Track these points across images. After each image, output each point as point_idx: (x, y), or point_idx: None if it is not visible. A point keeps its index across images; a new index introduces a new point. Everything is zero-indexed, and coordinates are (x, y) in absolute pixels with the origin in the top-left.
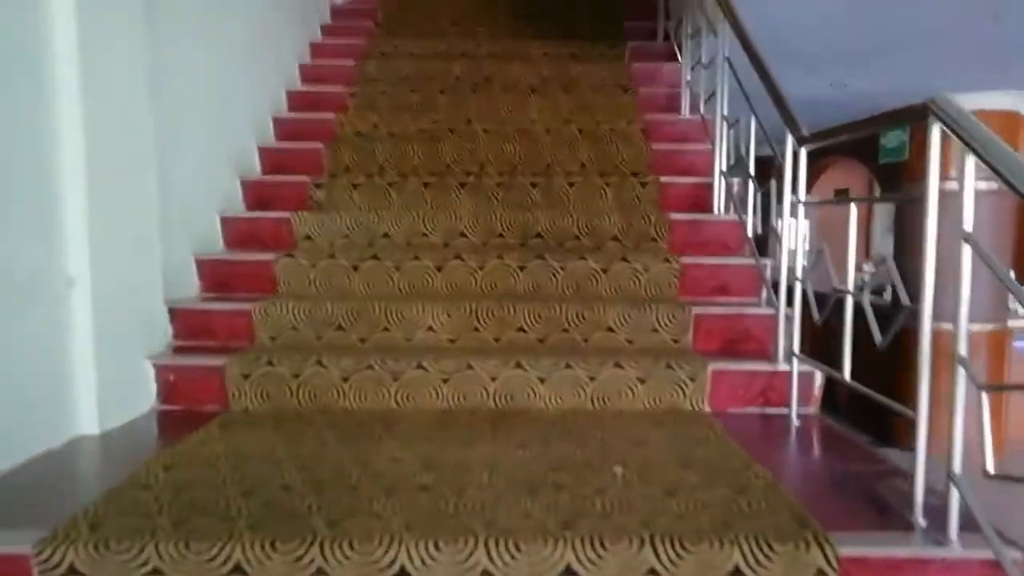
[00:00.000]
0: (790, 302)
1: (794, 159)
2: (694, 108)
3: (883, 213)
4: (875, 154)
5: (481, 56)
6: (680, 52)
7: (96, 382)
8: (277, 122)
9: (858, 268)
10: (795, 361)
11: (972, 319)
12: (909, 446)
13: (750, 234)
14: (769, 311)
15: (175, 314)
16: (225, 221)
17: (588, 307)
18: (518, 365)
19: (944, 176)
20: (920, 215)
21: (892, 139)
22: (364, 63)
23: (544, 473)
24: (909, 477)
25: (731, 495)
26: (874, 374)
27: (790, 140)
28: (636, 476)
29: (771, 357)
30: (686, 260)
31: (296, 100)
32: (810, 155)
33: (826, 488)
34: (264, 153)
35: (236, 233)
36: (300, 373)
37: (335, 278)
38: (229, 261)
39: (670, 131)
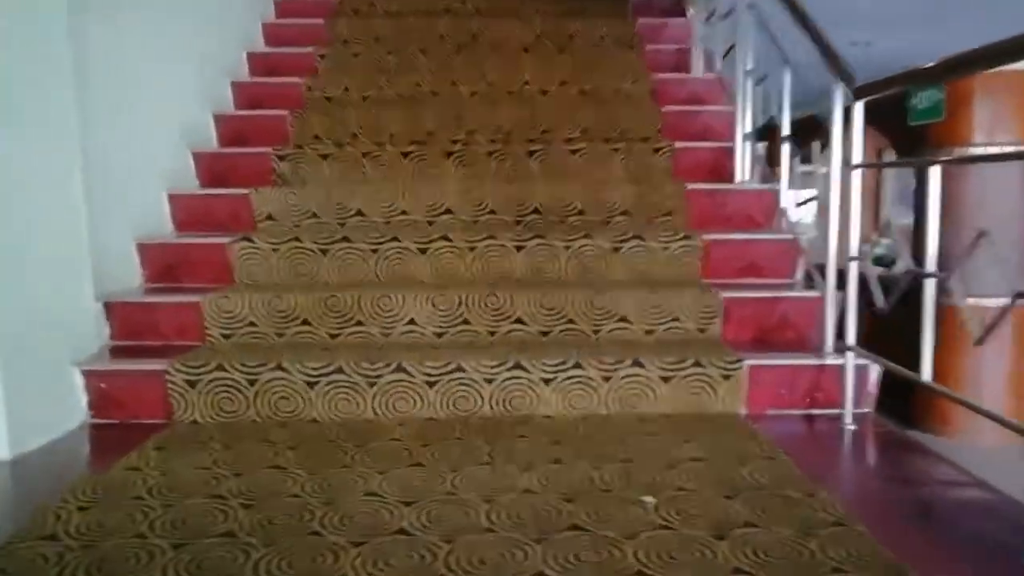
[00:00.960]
0: (840, 284)
1: (846, 115)
2: (708, 66)
3: (892, 181)
4: (895, 116)
5: (467, 13)
6: (688, 5)
7: (4, 398)
8: (236, 88)
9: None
10: (850, 355)
11: None
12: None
13: (783, 204)
14: (809, 294)
15: (111, 309)
16: (174, 200)
17: (597, 294)
18: (517, 366)
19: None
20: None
21: (926, 99)
22: (334, 21)
23: (556, 508)
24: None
25: (797, 538)
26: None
27: (840, 93)
28: (672, 510)
29: (814, 348)
30: (708, 237)
31: (258, 63)
32: (812, 122)
33: (915, 525)
34: (221, 122)
35: (187, 213)
36: (257, 379)
37: (300, 264)
38: (177, 245)
39: (682, 92)
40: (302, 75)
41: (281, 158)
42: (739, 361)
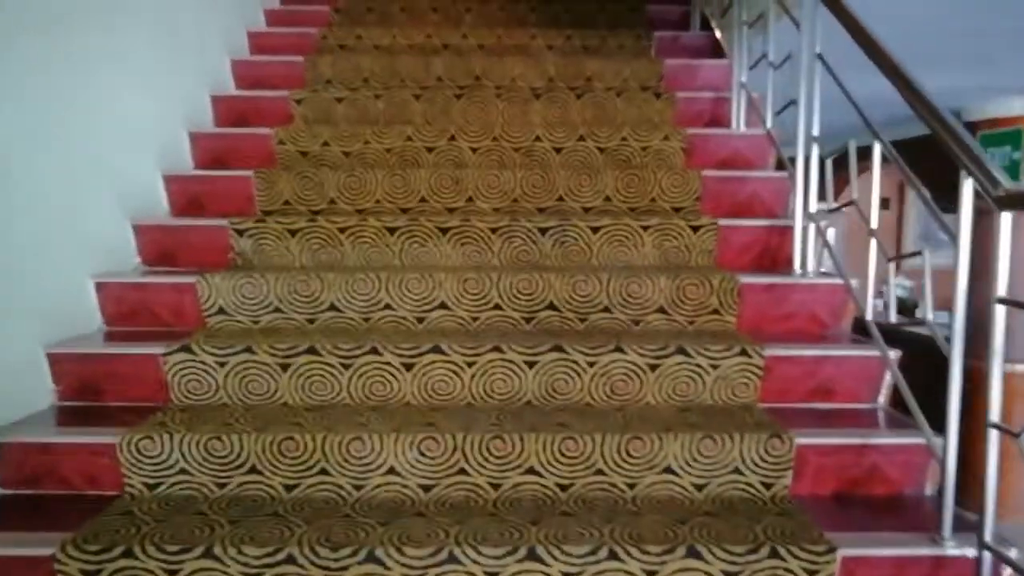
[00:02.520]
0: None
1: (976, 223)
2: (752, 120)
3: (915, 217)
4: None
5: (469, 49)
6: (727, 46)
7: None
8: (195, 140)
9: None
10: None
11: None
12: None
13: (870, 309)
14: (909, 440)
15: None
16: (104, 289)
17: (633, 435)
18: (531, 555)
19: None
20: None
21: (1001, 158)
22: (316, 59)
23: None
24: None
25: None
26: None
27: (970, 189)
28: None
29: (923, 518)
30: (770, 352)
31: (224, 110)
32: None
33: None
34: (173, 184)
35: (119, 306)
36: (179, 570)
37: (253, 382)
38: (101, 357)
39: (722, 151)
40: (274, 124)
41: (241, 232)
42: (830, 548)
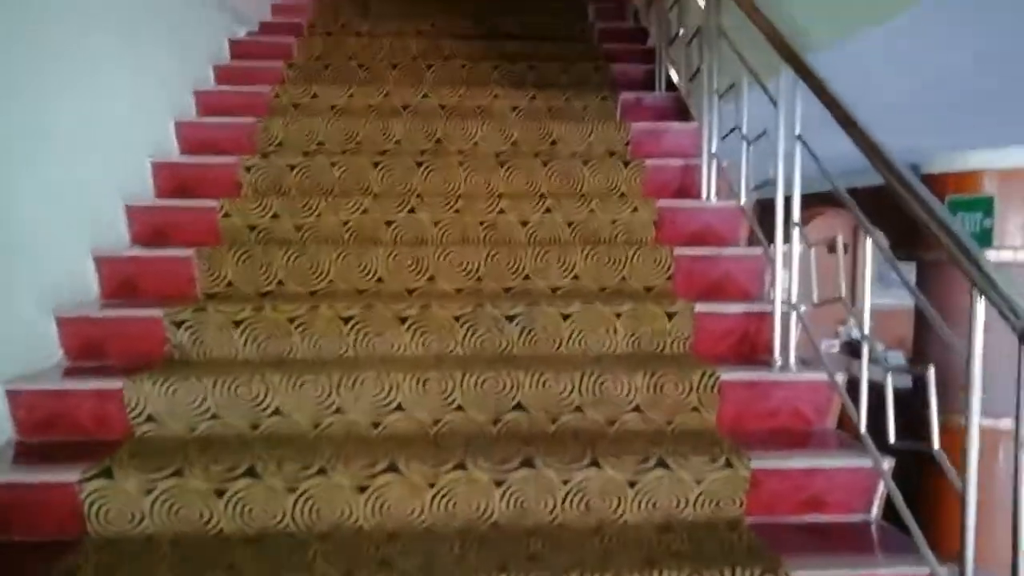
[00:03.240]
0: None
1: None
2: (724, 191)
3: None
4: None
5: (429, 109)
6: (696, 110)
7: None
8: (132, 214)
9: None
10: None
11: None
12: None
13: (864, 413)
14: (913, 571)
15: None
16: (15, 398)
17: (613, 570)
18: None
19: None
20: None
21: (971, 223)
22: (268, 122)
23: None
24: None
25: None
26: None
27: (981, 308)
28: None
29: None
30: (757, 463)
31: (166, 178)
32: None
33: None
34: (104, 266)
35: (35, 414)
36: None
37: (184, 509)
38: (10, 487)
39: (693, 224)
40: (220, 195)
41: (179, 324)
42: None
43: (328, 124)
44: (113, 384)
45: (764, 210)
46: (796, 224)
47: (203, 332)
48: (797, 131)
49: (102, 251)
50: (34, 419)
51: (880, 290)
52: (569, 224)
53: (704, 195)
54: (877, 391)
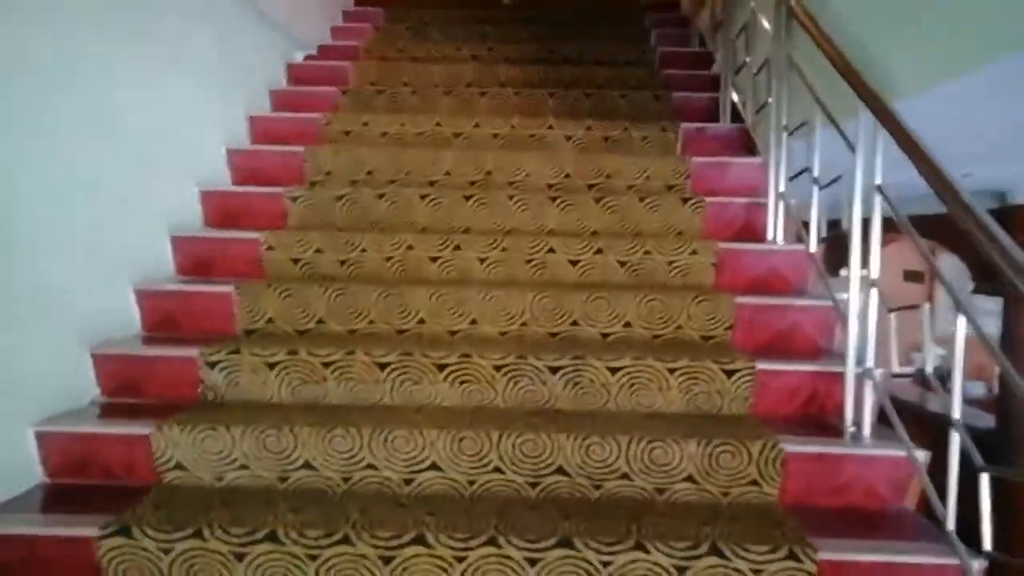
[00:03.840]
0: None
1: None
2: (791, 233)
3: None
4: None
5: (481, 139)
6: (762, 145)
7: None
8: (179, 246)
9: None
10: None
11: None
12: None
13: (953, 505)
14: None
15: None
16: (48, 439)
17: None
18: None
19: None
20: None
21: None
22: (317, 150)
23: None
24: None
25: None
26: None
27: None
28: None
29: None
30: (827, 555)
31: (214, 207)
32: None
33: None
34: (148, 301)
35: (64, 458)
36: None
37: (206, 571)
38: (29, 537)
39: (756, 268)
40: (264, 227)
41: (213, 365)
42: None
43: (378, 153)
44: (142, 430)
45: (828, 248)
46: (873, 282)
47: (237, 374)
48: (878, 180)
49: (144, 285)
50: (64, 462)
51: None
52: (622, 265)
53: (770, 237)
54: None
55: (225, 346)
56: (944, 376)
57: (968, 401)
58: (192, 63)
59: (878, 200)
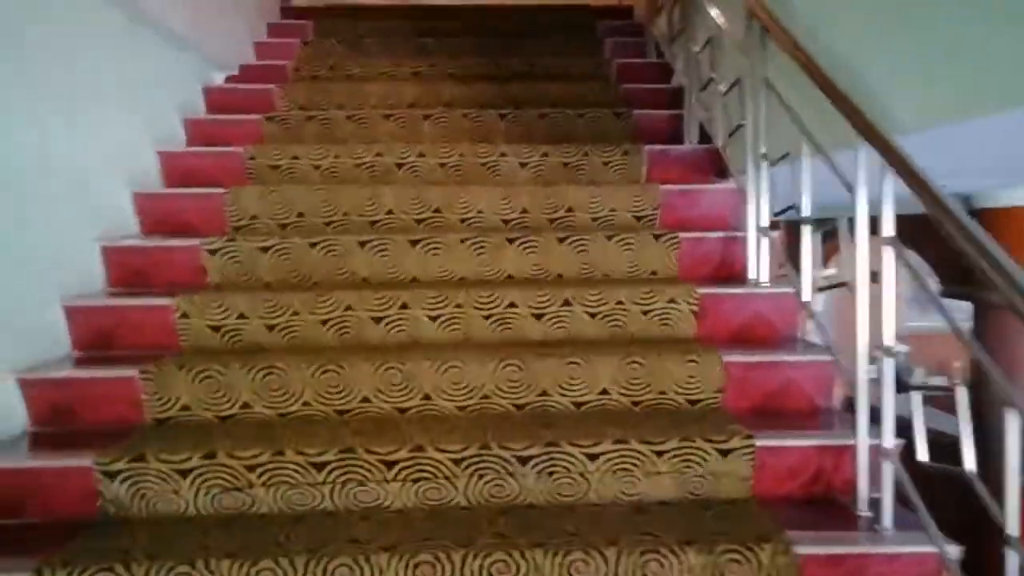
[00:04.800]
0: None
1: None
2: (775, 268)
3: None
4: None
5: (427, 170)
6: (737, 173)
7: None
8: (73, 317)
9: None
10: None
11: None
12: None
13: None
14: None
15: None
16: None
17: None
18: None
19: None
20: None
21: None
22: (239, 192)
23: None
24: None
25: None
26: None
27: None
28: None
29: None
30: None
31: (117, 267)
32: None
33: None
34: (35, 390)
35: None
36: None
37: None
38: None
39: (740, 314)
40: (178, 290)
41: (112, 475)
42: None
43: (310, 192)
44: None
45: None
46: (888, 349)
47: (144, 484)
48: (890, 232)
49: (30, 373)
50: None
51: (917, 313)
52: (593, 316)
53: (751, 276)
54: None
55: (127, 450)
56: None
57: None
58: (85, 95)
59: (890, 254)
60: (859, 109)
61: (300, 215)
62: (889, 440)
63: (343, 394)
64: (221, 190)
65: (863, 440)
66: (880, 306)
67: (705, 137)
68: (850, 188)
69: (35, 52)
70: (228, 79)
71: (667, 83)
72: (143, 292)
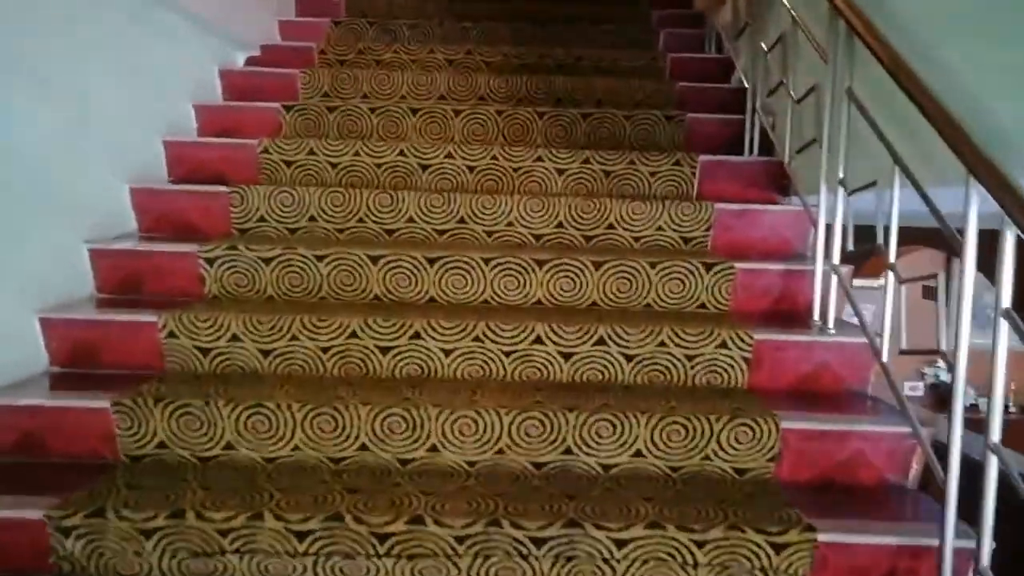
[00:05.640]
0: None
1: None
2: (841, 309)
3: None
4: None
5: (454, 172)
6: (801, 186)
7: None
8: (50, 332)
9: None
10: None
11: None
12: None
13: None
14: None
15: None
16: None
17: None
18: None
19: None
20: None
21: None
22: (247, 191)
23: None
24: None
25: None
26: None
27: None
28: None
29: None
30: None
31: (108, 271)
32: None
33: None
34: (6, 418)
35: None
36: None
37: None
38: None
39: (804, 364)
40: (173, 300)
41: (67, 532)
42: None
43: (324, 195)
44: None
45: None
46: (993, 446)
47: (101, 543)
48: (1006, 304)
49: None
50: None
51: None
52: (630, 360)
53: (816, 317)
54: None
55: (85, 502)
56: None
57: None
58: (83, 75)
59: (1004, 328)
60: (972, 141)
61: (312, 219)
62: (987, 548)
63: (338, 439)
64: (226, 189)
65: (950, 542)
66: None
67: (765, 147)
68: (957, 252)
69: (34, 45)
70: (248, 61)
71: (726, 83)
72: (132, 303)
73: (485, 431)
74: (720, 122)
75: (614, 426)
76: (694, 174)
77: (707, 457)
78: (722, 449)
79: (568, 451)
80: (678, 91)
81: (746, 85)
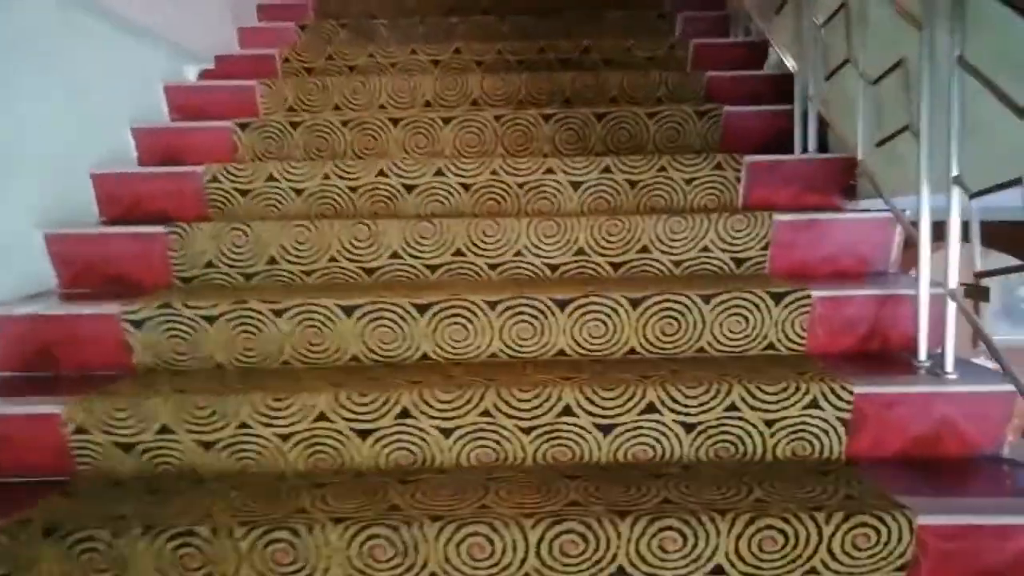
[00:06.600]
0: None
1: None
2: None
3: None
4: None
5: (449, 193)
6: (886, 188)
7: None
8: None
9: None
10: None
11: None
12: None
13: None
14: None
15: None
16: None
17: None
18: None
19: None
20: None
21: None
22: (190, 233)
23: None
24: None
25: None
26: None
27: None
28: None
29: None
30: None
31: (12, 343)
32: None
33: None
34: None
35: None
36: None
37: None
38: None
39: (916, 425)
40: (84, 381)
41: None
42: None
43: (285, 229)
44: None
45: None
46: None
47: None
48: None
49: None
50: None
51: (1008, 325)
52: (688, 430)
53: (923, 357)
54: None
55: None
56: None
57: None
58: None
59: None
60: None
61: (271, 261)
62: None
63: (294, 569)
64: (164, 229)
65: None
66: None
67: (824, 145)
68: None
69: None
70: (202, 75)
71: (759, 69)
72: (38, 386)
73: (504, 555)
74: (762, 115)
75: (684, 536)
76: (739, 179)
77: (813, 571)
78: (835, 559)
79: (621, 570)
80: (707, 82)
81: (791, 69)
